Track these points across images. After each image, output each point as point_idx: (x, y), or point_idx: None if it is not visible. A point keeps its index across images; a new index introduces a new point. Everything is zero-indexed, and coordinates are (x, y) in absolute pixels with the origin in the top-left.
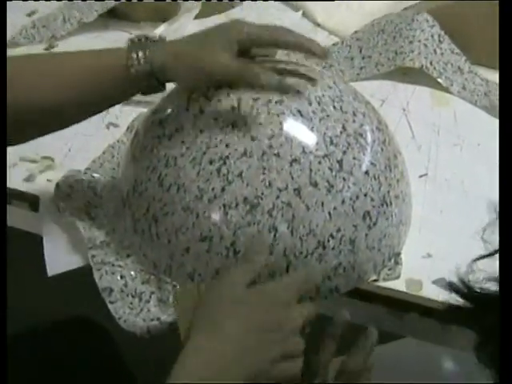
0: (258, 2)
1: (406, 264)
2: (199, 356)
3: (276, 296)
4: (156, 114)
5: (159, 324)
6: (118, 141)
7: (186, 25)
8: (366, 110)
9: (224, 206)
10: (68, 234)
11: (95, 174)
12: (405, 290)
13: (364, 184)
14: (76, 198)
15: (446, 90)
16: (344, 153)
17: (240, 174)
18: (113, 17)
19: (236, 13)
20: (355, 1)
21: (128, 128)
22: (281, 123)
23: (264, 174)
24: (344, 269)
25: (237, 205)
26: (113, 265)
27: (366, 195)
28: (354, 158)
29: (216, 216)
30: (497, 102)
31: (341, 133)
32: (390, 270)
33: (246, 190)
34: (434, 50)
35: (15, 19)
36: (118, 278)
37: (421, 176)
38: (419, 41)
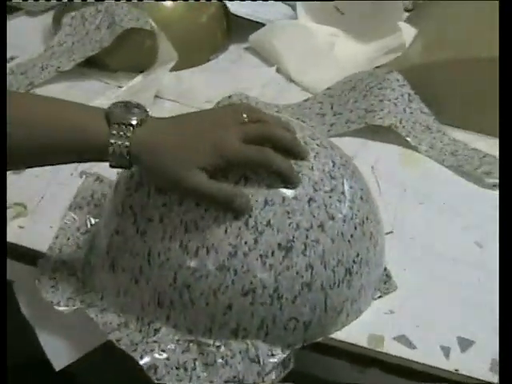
0: (232, 56)
1: (369, 319)
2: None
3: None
4: (145, 184)
5: None
6: (65, 222)
7: (161, 77)
8: (331, 142)
9: (261, 256)
10: (67, 323)
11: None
12: (366, 346)
13: (364, 208)
14: (63, 287)
15: (415, 148)
16: (342, 184)
17: (268, 223)
18: (90, 66)
19: (211, 66)
20: (329, 59)
21: (72, 206)
22: None
23: (290, 218)
24: (364, 290)
25: (273, 252)
26: (147, 342)
27: (367, 218)
28: (351, 187)
29: (255, 268)
30: (463, 162)
31: (333, 166)
32: (385, 283)
33: (278, 236)
34: (404, 109)
35: None
36: (159, 353)
37: (386, 233)
38: (389, 100)
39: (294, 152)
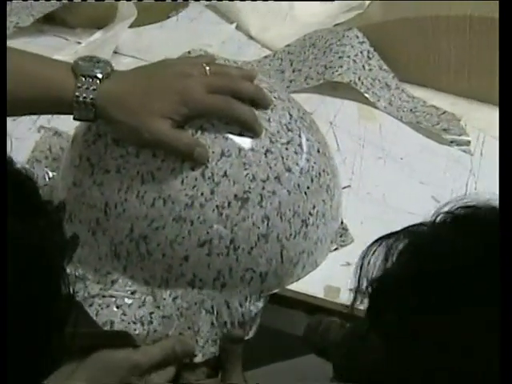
0: (192, 13)
1: (326, 271)
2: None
3: None
4: (103, 136)
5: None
6: None
7: (120, 33)
8: (289, 96)
9: (217, 207)
10: None
11: None
12: (323, 297)
13: (320, 161)
14: None
15: (373, 105)
16: (299, 136)
17: (225, 174)
18: (49, 22)
19: (170, 24)
20: (289, 15)
21: (30, 160)
22: None
23: (246, 169)
24: (321, 242)
25: (229, 203)
26: (103, 296)
27: (324, 171)
28: (308, 140)
29: (211, 219)
30: (421, 118)
31: (290, 118)
32: (341, 236)
33: (234, 187)
34: (363, 66)
35: None
36: (115, 309)
37: (344, 187)
38: (348, 56)
39: (257, 101)
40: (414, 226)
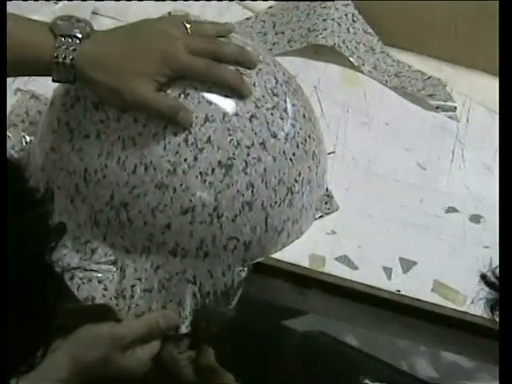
0: None
1: (310, 240)
2: None
3: None
4: (81, 99)
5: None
6: None
7: None
8: (274, 60)
9: (200, 174)
10: None
11: None
12: (308, 266)
13: (306, 127)
14: None
15: (357, 69)
16: (285, 101)
17: (209, 140)
18: None
19: None
20: None
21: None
22: None
23: (230, 135)
24: (306, 209)
25: (213, 170)
26: (85, 269)
27: (309, 137)
28: (294, 105)
29: (194, 186)
30: (406, 83)
31: (276, 83)
32: (326, 204)
33: (218, 153)
34: (347, 29)
35: None
36: (96, 283)
37: (329, 153)
38: (333, 19)
39: (242, 63)
40: None
